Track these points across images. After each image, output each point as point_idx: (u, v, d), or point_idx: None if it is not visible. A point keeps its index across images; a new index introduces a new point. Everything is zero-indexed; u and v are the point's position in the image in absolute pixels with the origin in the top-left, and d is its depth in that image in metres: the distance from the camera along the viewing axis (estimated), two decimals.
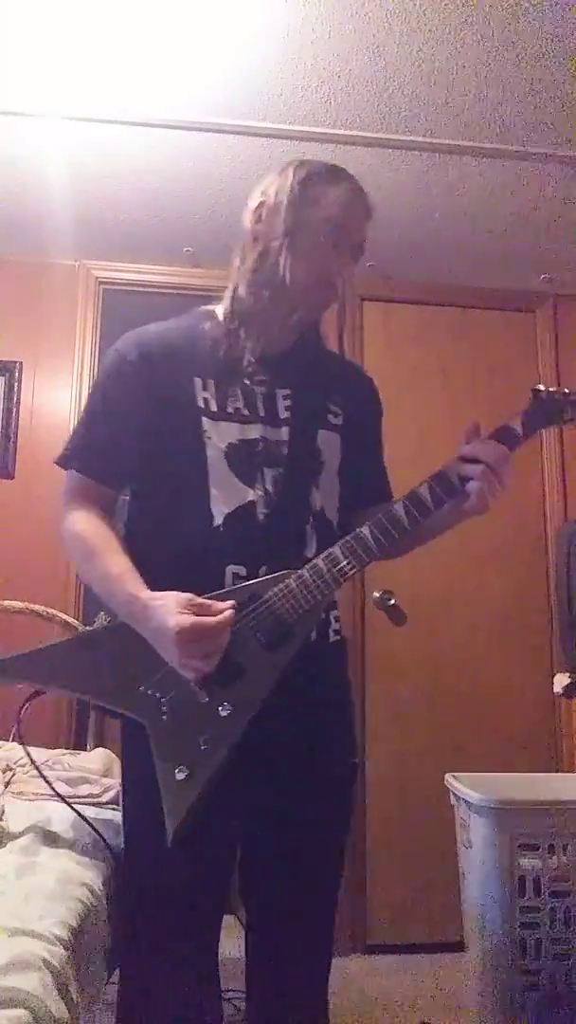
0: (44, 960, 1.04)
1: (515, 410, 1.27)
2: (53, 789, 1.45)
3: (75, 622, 2.37)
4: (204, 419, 1.22)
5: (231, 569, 1.18)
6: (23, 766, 1.90)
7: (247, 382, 1.25)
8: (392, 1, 1.73)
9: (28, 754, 1.44)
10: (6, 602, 2.27)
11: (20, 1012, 0.91)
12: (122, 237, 2.69)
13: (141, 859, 1.24)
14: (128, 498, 1.31)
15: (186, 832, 1.10)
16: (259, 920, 1.31)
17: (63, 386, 2.76)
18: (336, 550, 1.15)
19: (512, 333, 3.02)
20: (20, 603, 2.28)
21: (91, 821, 1.50)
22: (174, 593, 1.10)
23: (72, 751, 2.17)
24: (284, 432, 1.25)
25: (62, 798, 1.49)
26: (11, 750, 1.99)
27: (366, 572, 2.76)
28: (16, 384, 2.72)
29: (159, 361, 1.24)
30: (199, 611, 1.09)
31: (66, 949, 1.12)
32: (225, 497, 1.20)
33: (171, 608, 1.08)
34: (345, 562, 1.14)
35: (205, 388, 1.23)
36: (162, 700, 1.14)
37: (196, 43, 1.83)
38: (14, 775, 1.87)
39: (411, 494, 1.17)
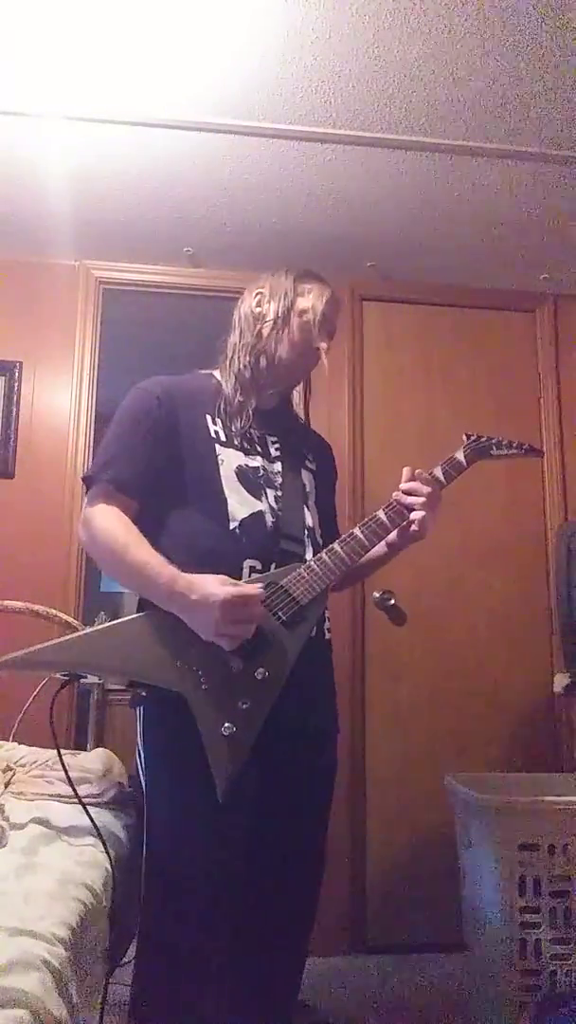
0: (44, 960, 1.04)
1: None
2: (74, 790, 1.48)
3: (75, 622, 2.37)
4: (217, 445, 1.47)
5: (248, 563, 1.39)
6: (23, 766, 1.90)
7: (243, 428, 1.51)
8: (392, 1, 1.73)
9: (60, 757, 1.44)
10: (6, 602, 2.27)
11: (20, 1012, 0.91)
12: (122, 237, 2.69)
13: (175, 834, 1.36)
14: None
15: (231, 791, 1.24)
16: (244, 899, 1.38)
17: (63, 386, 2.76)
18: (336, 546, 1.41)
19: (512, 333, 3.02)
20: (20, 603, 2.28)
21: (93, 821, 1.50)
22: (212, 575, 1.29)
23: (72, 751, 2.17)
24: (278, 466, 1.52)
25: (79, 799, 1.49)
26: (11, 750, 1.99)
27: None
28: (16, 384, 2.72)
29: (180, 400, 1.49)
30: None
31: (66, 949, 1.12)
32: (240, 505, 1.43)
33: (216, 581, 1.27)
34: (344, 555, 1.40)
35: (214, 423, 1.50)
36: (199, 672, 1.28)
37: (196, 43, 1.84)
38: (14, 775, 1.87)
39: (390, 504, 1.47)
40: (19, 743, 2.08)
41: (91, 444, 2.71)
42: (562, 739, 2.75)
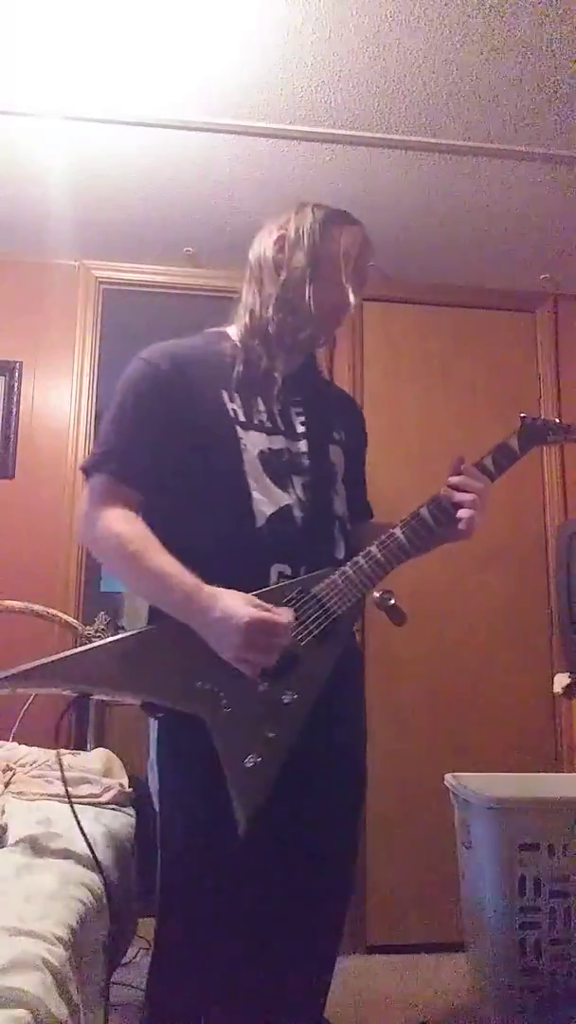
0: (44, 960, 1.04)
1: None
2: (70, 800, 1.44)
3: (75, 622, 2.38)
4: (237, 427, 1.29)
5: (276, 568, 1.24)
6: (23, 766, 1.91)
7: (265, 398, 1.33)
8: (392, 1, 1.73)
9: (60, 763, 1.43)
10: (6, 602, 2.28)
11: (20, 1012, 0.91)
12: (122, 237, 2.69)
13: (190, 868, 1.21)
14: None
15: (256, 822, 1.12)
16: (265, 919, 1.25)
17: (63, 386, 2.76)
18: (374, 548, 1.26)
19: (512, 333, 3.02)
20: (20, 603, 2.28)
21: (87, 824, 1.50)
22: (238, 592, 1.16)
23: (72, 751, 2.17)
24: (303, 444, 1.33)
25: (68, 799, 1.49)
26: (11, 750, 1.99)
27: None
28: (16, 384, 2.72)
29: (190, 372, 1.30)
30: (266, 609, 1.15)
31: (66, 949, 1.12)
32: (266, 499, 1.27)
33: (241, 600, 1.14)
34: (384, 559, 1.26)
35: (232, 400, 1.30)
36: (220, 694, 1.16)
37: (196, 43, 1.83)
38: (14, 775, 1.87)
39: (433, 499, 1.29)
40: (19, 743, 2.09)
41: (91, 444, 2.71)
42: (562, 739, 2.75)
